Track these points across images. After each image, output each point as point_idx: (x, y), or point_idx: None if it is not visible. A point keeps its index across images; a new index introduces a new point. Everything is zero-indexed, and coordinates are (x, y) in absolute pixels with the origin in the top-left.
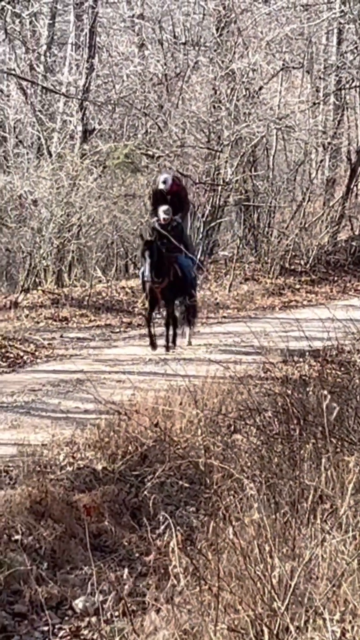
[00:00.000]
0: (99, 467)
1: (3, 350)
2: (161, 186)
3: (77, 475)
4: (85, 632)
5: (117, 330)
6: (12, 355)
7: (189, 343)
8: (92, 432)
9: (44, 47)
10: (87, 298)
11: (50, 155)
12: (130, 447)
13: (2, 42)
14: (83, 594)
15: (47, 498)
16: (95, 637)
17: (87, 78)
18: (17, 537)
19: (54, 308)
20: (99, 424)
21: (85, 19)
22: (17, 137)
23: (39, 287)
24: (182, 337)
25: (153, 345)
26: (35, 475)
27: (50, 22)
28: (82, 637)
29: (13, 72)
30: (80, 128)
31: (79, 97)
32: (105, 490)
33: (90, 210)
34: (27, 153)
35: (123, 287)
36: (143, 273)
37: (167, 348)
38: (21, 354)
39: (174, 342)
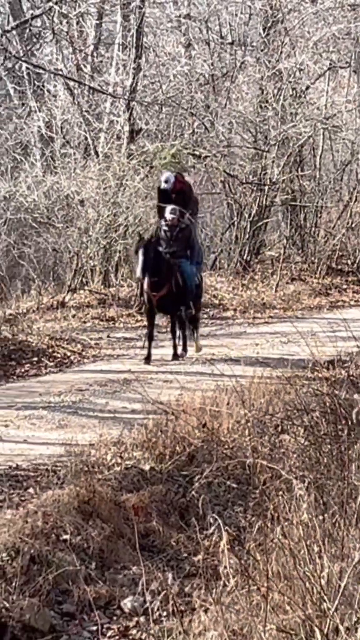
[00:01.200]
0: (147, 467)
1: (50, 350)
2: (163, 185)
3: (124, 475)
4: (134, 632)
5: (164, 330)
6: (59, 355)
7: (198, 349)
8: (139, 432)
9: (91, 48)
10: (133, 298)
11: (97, 155)
12: (177, 447)
13: (50, 42)
14: (131, 594)
15: (95, 498)
16: (143, 637)
17: (134, 78)
18: (66, 536)
19: (101, 308)
20: (147, 424)
21: (133, 19)
22: (64, 138)
23: (86, 287)
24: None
25: (148, 358)
26: (83, 475)
27: (98, 22)
28: (130, 637)
29: (60, 72)
30: (127, 128)
31: (126, 97)
32: (153, 491)
33: (137, 210)
34: (74, 153)
35: None
36: (139, 277)
37: (176, 356)
38: (68, 353)
39: (184, 349)
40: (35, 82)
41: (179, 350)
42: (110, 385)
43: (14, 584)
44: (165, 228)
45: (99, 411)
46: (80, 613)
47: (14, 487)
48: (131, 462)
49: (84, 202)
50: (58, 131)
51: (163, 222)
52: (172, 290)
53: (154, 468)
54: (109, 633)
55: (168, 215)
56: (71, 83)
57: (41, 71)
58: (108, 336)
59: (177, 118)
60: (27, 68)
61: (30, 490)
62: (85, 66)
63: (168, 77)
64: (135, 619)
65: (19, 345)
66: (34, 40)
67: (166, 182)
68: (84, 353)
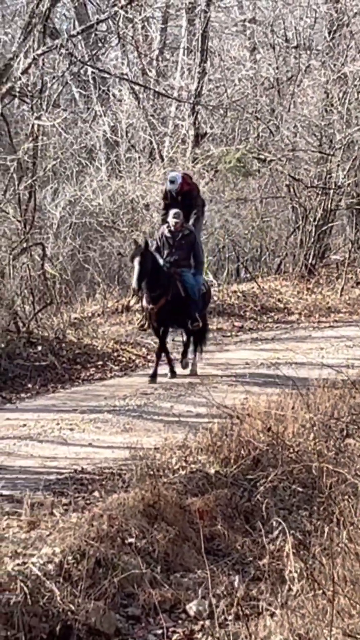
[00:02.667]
0: (212, 471)
1: (115, 354)
2: (169, 186)
3: (189, 479)
4: (199, 635)
5: (229, 334)
6: (124, 359)
7: (193, 372)
8: (204, 436)
9: (156, 52)
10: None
11: (162, 159)
12: (242, 451)
13: (115, 47)
14: (196, 598)
15: (161, 501)
16: None
17: (199, 82)
18: (131, 540)
19: None
20: (212, 427)
21: (198, 24)
22: (129, 142)
23: None
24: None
25: (153, 376)
26: (148, 478)
27: (163, 26)
28: None
29: (125, 76)
30: (192, 132)
31: (191, 101)
32: (218, 494)
33: None
34: (139, 157)
35: (234, 291)
36: (134, 287)
37: (172, 373)
38: (133, 357)
39: (186, 364)
40: (101, 86)
41: (182, 367)
42: (175, 389)
43: (79, 587)
44: (168, 234)
45: (163, 415)
46: (145, 616)
47: (80, 491)
48: (196, 465)
49: (149, 206)
50: (123, 135)
51: (165, 227)
52: (170, 302)
53: (219, 472)
54: (174, 637)
55: (171, 219)
56: (136, 87)
57: (106, 75)
58: (172, 340)
59: (242, 122)
60: (93, 72)
61: (96, 493)
62: (150, 70)
63: (233, 81)
64: (201, 622)
65: (84, 349)
66: (100, 44)
67: (172, 182)
68: (148, 357)
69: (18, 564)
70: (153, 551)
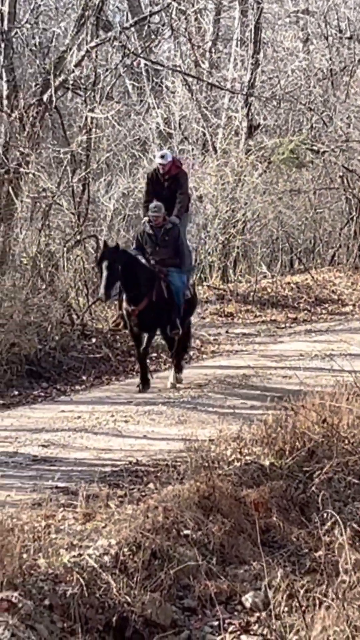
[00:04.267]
0: (267, 462)
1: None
2: (158, 160)
3: (244, 470)
4: (255, 627)
5: (283, 325)
6: None
7: (172, 385)
8: (259, 428)
9: (209, 44)
10: (252, 294)
11: (215, 151)
12: (297, 443)
13: (168, 38)
14: (252, 589)
15: (216, 493)
16: (265, 632)
17: (252, 74)
18: (187, 532)
19: (219, 304)
20: (266, 419)
21: (251, 15)
22: (182, 134)
23: (205, 283)
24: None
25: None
26: (203, 470)
27: (216, 18)
28: (252, 633)
29: (178, 68)
30: (245, 124)
31: (244, 92)
32: (273, 486)
33: (255, 206)
34: (193, 149)
35: (288, 283)
36: (100, 297)
37: (144, 385)
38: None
39: (178, 370)
40: (154, 78)
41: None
42: (229, 380)
43: (135, 578)
44: (149, 230)
45: (218, 407)
46: (201, 608)
47: (135, 483)
48: (251, 457)
49: (203, 197)
50: (176, 127)
51: (146, 223)
52: (153, 303)
53: (274, 464)
54: (230, 628)
55: (151, 213)
56: (189, 79)
57: (159, 67)
58: (227, 332)
59: (295, 113)
60: (146, 65)
61: (151, 485)
62: (203, 62)
63: (286, 72)
64: (257, 614)
65: None
66: (153, 36)
67: (162, 156)
68: (202, 349)
69: (74, 556)
70: (208, 543)
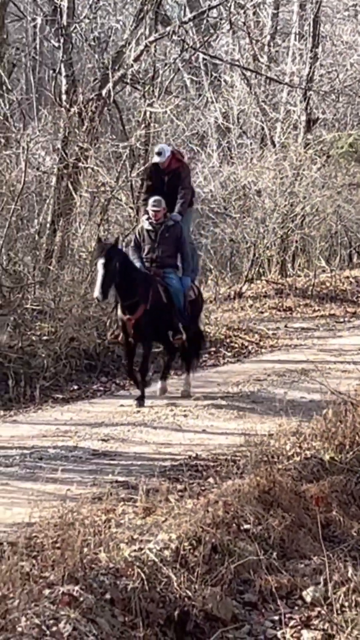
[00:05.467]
0: (326, 457)
1: (228, 341)
2: (156, 158)
3: (304, 465)
4: (316, 622)
5: (342, 320)
6: (237, 345)
7: (184, 394)
8: (318, 422)
9: (268, 38)
10: (310, 288)
11: (274, 145)
12: (357, 438)
13: (226, 33)
14: (313, 584)
15: (275, 488)
16: (325, 627)
17: (310, 67)
18: (247, 526)
19: (278, 298)
20: (326, 414)
21: (309, 9)
22: (240, 128)
23: (263, 277)
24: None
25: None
26: (262, 464)
27: (274, 12)
28: (312, 627)
29: (237, 63)
30: (303, 118)
31: (303, 86)
32: (333, 481)
33: (314, 200)
34: (251, 143)
35: (347, 277)
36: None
37: (141, 400)
38: (246, 344)
39: (163, 389)
40: (212, 73)
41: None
42: (289, 375)
43: (196, 573)
44: (148, 226)
45: (277, 401)
46: (262, 602)
47: (194, 477)
48: (311, 452)
49: (261, 192)
50: (235, 121)
51: (145, 219)
52: (150, 311)
53: (334, 458)
54: (291, 623)
55: (150, 208)
56: (248, 73)
57: (218, 62)
58: (285, 326)
59: (354, 107)
60: (204, 59)
61: (210, 479)
62: (261, 56)
63: (345, 66)
64: (317, 609)
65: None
66: (211, 31)
67: (159, 153)
68: (261, 343)
69: (134, 550)
70: (269, 537)
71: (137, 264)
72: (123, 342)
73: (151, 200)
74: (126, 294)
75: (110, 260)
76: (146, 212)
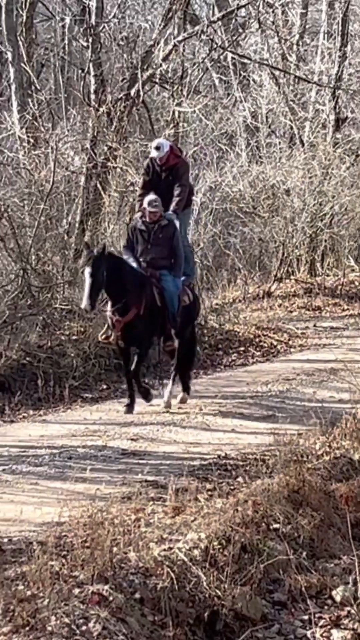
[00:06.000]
0: (356, 456)
1: (257, 340)
2: (154, 153)
3: (333, 464)
4: (346, 621)
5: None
6: (266, 345)
7: (167, 404)
8: (348, 422)
9: (297, 37)
10: (340, 287)
11: (303, 144)
12: None
13: (255, 32)
14: (342, 583)
15: (305, 487)
16: (355, 626)
17: (339, 66)
18: (276, 525)
19: (307, 297)
20: (355, 413)
21: (338, 7)
22: (269, 127)
23: (292, 277)
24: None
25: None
26: (292, 464)
27: (303, 11)
28: (342, 627)
29: (266, 62)
30: (332, 117)
31: (331, 85)
32: None
33: (343, 199)
34: (280, 143)
35: None
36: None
37: (130, 407)
38: (275, 343)
39: (185, 388)
40: (241, 72)
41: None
42: (318, 374)
43: (225, 572)
44: (142, 226)
45: (306, 400)
46: (291, 602)
47: (223, 476)
48: (340, 451)
49: (290, 191)
50: (263, 121)
51: (139, 217)
52: (143, 314)
53: None
54: (321, 622)
55: (146, 207)
56: (276, 72)
57: (246, 61)
58: (314, 325)
59: None
60: (233, 58)
61: (240, 479)
62: (290, 55)
63: None
64: (347, 608)
65: (226, 335)
66: (240, 30)
67: (157, 148)
68: (290, 342)
69: (164, 549)
70: (298, 537)
71: (133, 264)
72: (115, 344)
73: (148, 199)
74: (117, 296)
75: (97, 269)
76: (140, 210)
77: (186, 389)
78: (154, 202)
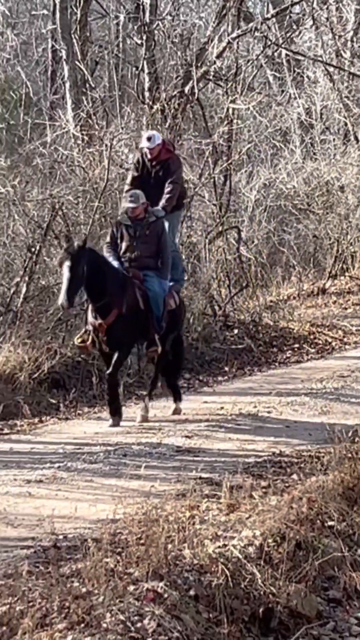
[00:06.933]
0: None
1: (311, 337)
2: (144, 143)
3: None
4: None
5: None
6: (320, 342)
7: (143, 418)
8: None
9: (351, 33)
10: None
11: (357, 141)
12: None
13: (309, 28)
14: None
15: None
16: None
17: None
18: (331, 523)
19: None
20: None
21: None
22: (324, 124)
23: (347, 274)
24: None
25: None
26: (347, 461)
27: (357, 7)
28: None
29: (320, 58)
30: None
31: None
32: None
33: None
34: (334, 139)
35: None
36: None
37: (114, 416)
38: (329, 340)
39: (177, 398)
40: (295, 69)
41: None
42: None
43: (280, 569)
44: (127, 222)
45: None
46: (346, 599)
47: (278, 473)
48: None
49: (344, 188)
50: (318, 117)
51: (123, 214)
52: (124, 316)
53: None
54: None
55: (128, 203)
56: (331, 69)
57: (301, 58)
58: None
59: None
60: (287, 55)
61: (294, 476)
62: (344, 52)
63: None
64: None
65: (280, 332)
66: (294, 27)
67: (149, 138)
68: (345, 339)
69: (218, 547)
70: (353, 534)
71: (115, 263)
72: (99, 351)
73: (128, 195)
74: (98, 296)
75: (77, 263)
76: (124, 208)
77: (178, 398)
78: (134, 197)
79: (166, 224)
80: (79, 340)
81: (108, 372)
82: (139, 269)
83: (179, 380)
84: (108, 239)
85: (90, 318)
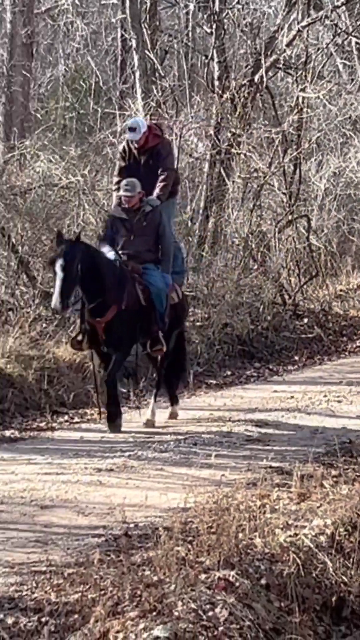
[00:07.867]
0: None
1: None
2: (128, 135)
3: None
4: None
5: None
6: None
7: (149, 422)
8: None
9: None
10: None
11: None
12: None
13: None
14: None
15: None
16: None
17: None
18: None
19: None
20: None
21: None
22: None
23: None
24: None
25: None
26: None
27: None
28: None
29: None
30: None
31: None
32: None
33: None
34: None
35: None
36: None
37: (111, 419)
38: None
39: (173, 401)
40: None
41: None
42: None
43: (352, 559)
44: (122, 214)
45: None
46: None
47: (349, 463)
48: None
49: None
50: None
51: (117, 206)
52: (124, 313)
53: None
54: None
55: (122, 193)
56: None
57: None
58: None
59: None
60: (357, 43)
61: None
62: None
63: None
64: None
65: (350, 321)
66: None
67: (132, 129)
68: None
69: (290, 536)
70: None
71: (111, 255)
72: (95, 352)
73: (123, 183)
74: (95, 294)
75: (71, 262)
76: (118, 198)
77: (175, 402)
78: (130, 185)
79: (163, 214)
80: (73, 341)
81: (106, 374)
82: (138, 263)
83: (183, 383)
84: (102, 234)
85: (87, 317)
